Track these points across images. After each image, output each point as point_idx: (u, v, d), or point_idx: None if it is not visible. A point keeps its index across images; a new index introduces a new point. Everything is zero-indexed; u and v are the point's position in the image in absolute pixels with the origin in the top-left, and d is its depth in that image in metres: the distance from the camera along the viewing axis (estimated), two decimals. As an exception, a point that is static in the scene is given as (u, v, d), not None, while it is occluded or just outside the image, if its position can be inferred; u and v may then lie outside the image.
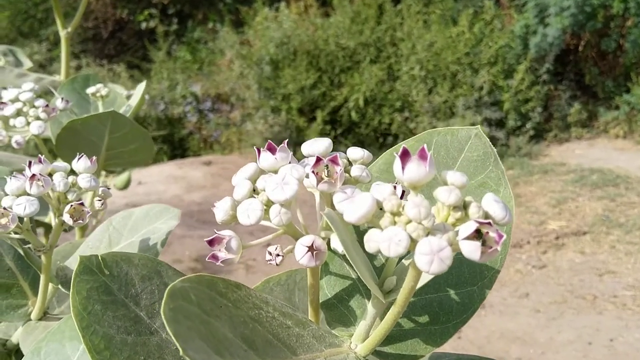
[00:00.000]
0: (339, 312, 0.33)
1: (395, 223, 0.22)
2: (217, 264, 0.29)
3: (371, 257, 0.34)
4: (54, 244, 0.44)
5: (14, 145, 0.65)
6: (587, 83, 5.45)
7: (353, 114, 5.07)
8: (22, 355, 0.45)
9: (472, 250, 0.21)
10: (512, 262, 3.05)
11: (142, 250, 0.48)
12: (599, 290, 2.77)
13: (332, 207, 0.28)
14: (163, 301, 0.24)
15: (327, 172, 0.28)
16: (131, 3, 7.15)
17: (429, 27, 5.27)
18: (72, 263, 0.50)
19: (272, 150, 0.29)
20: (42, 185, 0.39)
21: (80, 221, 0.40)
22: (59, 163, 0.42)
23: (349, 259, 0.26)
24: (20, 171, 0.49)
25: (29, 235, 0.41)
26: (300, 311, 0.33)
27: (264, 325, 0.28)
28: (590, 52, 5.40)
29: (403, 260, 0.30)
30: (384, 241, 0.22)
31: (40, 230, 0.87)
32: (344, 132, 5.21)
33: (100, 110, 0.76)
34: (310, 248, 0.27)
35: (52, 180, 0.40)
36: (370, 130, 5.17)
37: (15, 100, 0.65)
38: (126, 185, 1.35)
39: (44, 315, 0.50)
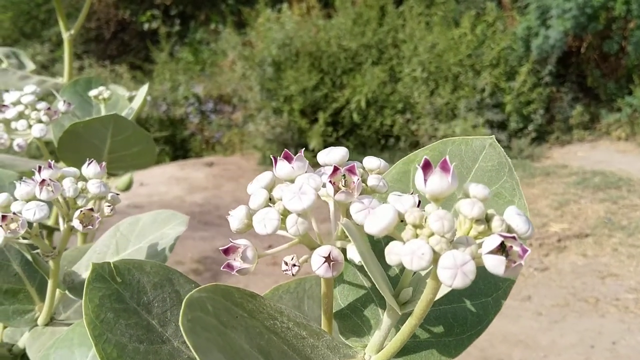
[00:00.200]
0: (352, 322, 0.33)
1: (417, 236, 0.22)
2: (232, 273, 0.28)
3: (385, 267, 0.33)
4: (63, 250, 0.44)
5: (16, 148, 0.64)
6: (589, 85, 5.44)
7: (355, 115, 5.07)
8: (29, 361, 0.44)
9: (496, 265, 0.21)
10: (514, 265, 3.04)
11: (150, 256, 0.48)
12: (602, 293, 2.76)
13: (348, 217, 0.28)
14: (181, 312, 0.24)
15: (344, 181, 0.27)
16: (134, 4, 7.16)
17: (431, 29, 5.27)
18: (80, 268, 0.50)
19: (288, 159, 0.28)
20: (52, 191, 0.39)
21: (90, 227, 0.40)
22: (69, 168, 0.42)
23: (366, 270, 0.25)
24: (28, 175, 0.49)
25: (38, 240, 0.41)
26: (311, 320, 0.33)
27: (280, 336, 0.28)
28: (593, 54, 5.40)
29: (419, 271, 0.30)
30: (407, 254, 0.21)
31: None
32: (346, 134, 5.21)
33: (103, 113, 0.76)
34: (327, 258, 0.27)
35: (61, 185, 0.40)
36: (372, 132, 5.17)
37: (17, 103, 0.64)
38: (128, 187, 1.34)
39: (51, 321, 0.49)
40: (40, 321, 0.49)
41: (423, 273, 0.30)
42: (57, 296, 0.48)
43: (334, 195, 0.27)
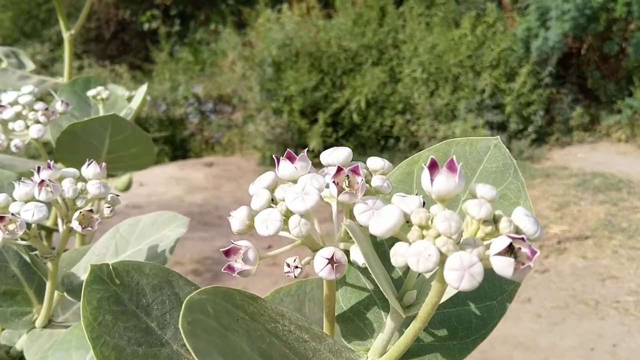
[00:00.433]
0: (355, 325, 0.32)
1: (423, 237, 0.22)
2: (233, 275, 0.28)
3: (388, 269, 0.33)
4: (62, 251, 0.43)
5: (13, 149, 0.64)
6: (590, 86, 5.44)
7: (355, 116, 5.07)
8: (27, 364, 0.44)
9: (504, 267, 0.20)
10: (514, 266, 3.04)
11: (150, 258, 0.48)
12: (602, 295, 2.76)
13: (352, 218, 0.28)
14: (181, 314, 0.23)
15: (348, 182, 0.27)
16: (134, 4, 7.16)
17: (431, 30, 5.26)
18: (78, 270, 0.49)
19: (291, 159, 0.28)
20: (51, 192, 0.38)
21: (89, 228, 0.40)
22: (68, 169, 0.41)
23: (371, 272, 0.25)
24: (27, 175, 0.49)
25: (36, 241, 0.40)
26: (313, 323, 0.32)
27: (281, 339, 0.27)
28: (593, 56, 5.40)
29: (424, 273, 0.30)
30: (413, 256, 0.21)
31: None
32: (346, 134, 5.21)
33: (101, 113, 0.75)
34: (331, 260, 0.26)
35: (60, 186, 0.39)
36: (372, 132, 5.16)
37: (15, 103, 0.64)
38: (127, 187, 1.34)
39: (49, 323, 0.49)
40: (38, 323, 0.48)
41: (427, 275, 0.29)
42: (56, 298, 0.48)
43: (338, 196, 0.27)
